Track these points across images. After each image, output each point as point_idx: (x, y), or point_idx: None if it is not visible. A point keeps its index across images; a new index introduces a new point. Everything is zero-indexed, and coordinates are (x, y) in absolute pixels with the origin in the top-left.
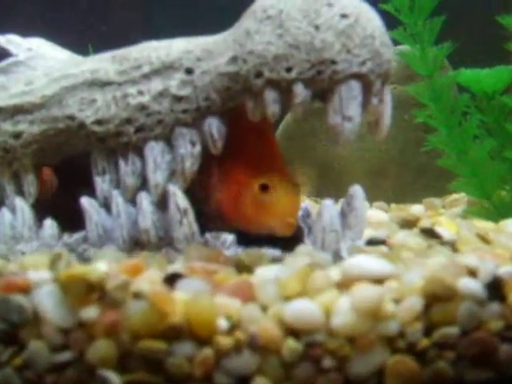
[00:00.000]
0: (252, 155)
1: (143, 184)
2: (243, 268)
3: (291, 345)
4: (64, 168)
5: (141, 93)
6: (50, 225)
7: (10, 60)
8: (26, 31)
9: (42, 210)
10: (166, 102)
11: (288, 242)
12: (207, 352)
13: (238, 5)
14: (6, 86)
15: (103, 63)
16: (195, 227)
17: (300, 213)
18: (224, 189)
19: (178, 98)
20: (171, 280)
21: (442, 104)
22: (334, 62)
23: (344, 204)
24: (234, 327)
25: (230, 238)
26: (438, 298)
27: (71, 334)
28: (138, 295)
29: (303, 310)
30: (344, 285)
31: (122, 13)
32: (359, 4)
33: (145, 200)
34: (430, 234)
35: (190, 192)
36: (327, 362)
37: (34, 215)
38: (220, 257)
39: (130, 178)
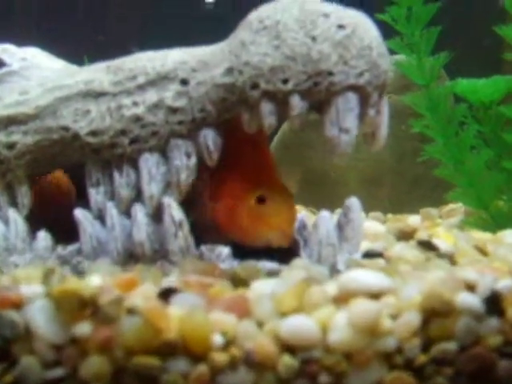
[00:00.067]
0: (247, 167)
1: (138, 196)
2: (239, 282)
3: (287, 361)
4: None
5: (135, 104)
6: (43, 237)
7: (3, 70)
8: (21, 41)
9: (35, 221)
10: (161, 114)
11: (284, 255)
12: (202, 368)
13: (236, 15)
14: (0, 95)
15: (98, 74)
16: (190, 240)
17: (296, 224)
18: (220, 201)
19: (174, 110)
20: (166, 295)
21: (439, 114)
22: (330, 74)
23: (341, 216)
24: (229, 343)
25: (225, 250)
26: (436, 313)
27: (64, 349)
28: (131, 311)
29: (299, 325)
30: (341, 300)
31: (119, 23)
32: (356, 14)
33: (139, 212)
34: (427, 246)
35: (184, 204)
36: (324, 379)
37: (27, 227)
38: (215, 270)
39: (124, 189)
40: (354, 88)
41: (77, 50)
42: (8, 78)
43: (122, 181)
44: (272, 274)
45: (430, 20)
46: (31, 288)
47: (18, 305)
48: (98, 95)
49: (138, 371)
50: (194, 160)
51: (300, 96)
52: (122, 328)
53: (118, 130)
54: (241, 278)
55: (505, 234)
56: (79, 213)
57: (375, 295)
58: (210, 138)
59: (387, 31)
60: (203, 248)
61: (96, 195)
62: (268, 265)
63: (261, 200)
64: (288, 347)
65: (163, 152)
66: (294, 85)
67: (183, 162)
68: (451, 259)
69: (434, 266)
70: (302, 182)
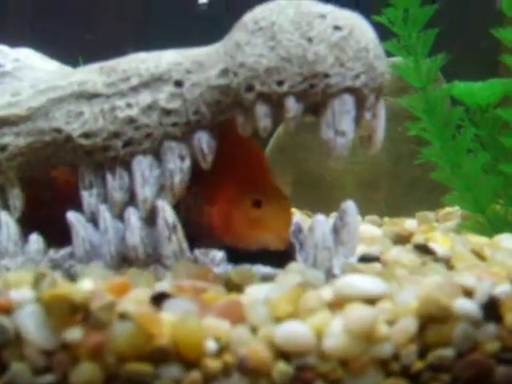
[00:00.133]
0: (242, 170)
1: (131, 199)
2: (233, 286)
3: (282, 368)
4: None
5: (129, 105)
6: (35, 240)
7: None
8: (14, 41)
9: (27, 224)
10: (155, 115)
11: (279, 259)
12: (195, 375)
13: (230, 16)
14: None
15: (91, 75)
16: (184, 244)
17: (292, 227)
18: (214, 205)
19: (167, 112)
20: (158, 300)
21: (436, 117)
22: (326, 76)
23: (336, 219)
24: (222, 349)
25: (219, 254)
26: (432, 319)
27: (54, 355)
28: (123, 316)
29: (294, 331)
30: (336, 305)
31: (113, 24)
32: (353, 16)
33: (133, 215)
34: (423, 250)
35: (178, 207)
36: None
37: (19, 230)
38: (209, 274)
39: (117, 192)
40: (350, 90)
41: (71, 51)
42: (0, 79)
43: (115, 184)
44: (267, 278)
45: (426, 22)
46: (21, 293)
47: (7, 310)
48: (92, 97)
49: (129, 378)
50: (187, 163)
51: (295, 98)
52: (114, 333)
53: (112, 132)
54: (235, 282)
55: (502, 238)
56: (72, 216)
57: (371, 300)
58: (204, 140)
59: (384, 33)
60: (197, 252)
61: (89, 198)
62: (262, 269)
63: (256, 204)
64: (282, 353)
65: (157, 154)
66: (290, 87)
67: (177, 164)
68: (448, 263)
69: (431, 271)
70: (298, 185)
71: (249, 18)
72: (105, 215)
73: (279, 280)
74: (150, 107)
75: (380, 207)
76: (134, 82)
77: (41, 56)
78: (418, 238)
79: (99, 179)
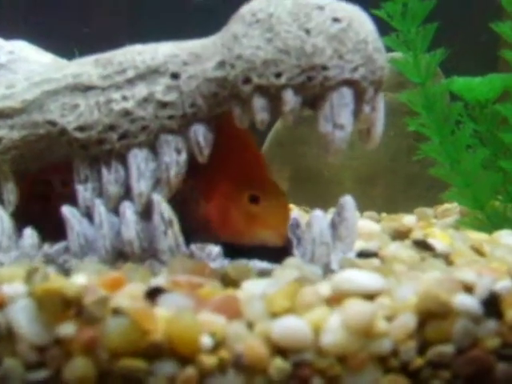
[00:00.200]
0: (239, 165)
1: (127, 193)
2: (229, 282)
3: (279, 364)
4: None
5: (125, 98)
6: (29, 234)
7: None
8: (8, 34)
9: (21, 218)
10: (151, 108)
11: (277, 254)
12: (190, 371)
13: (227, 8)
14: None
15: (86, 67)
16: (180, 238)
17: (289, 223)
18: (212, 200)
19: (164, 104)
20: (153, 295)
21: (435, 112)
22: (325, 68)
23: (335, 215)
24: (218, 345)
25: (215, 249)
26: (432, 315)
27: (47, 351)
28: (117, 311)
29: (291, 327)
30: (334, 300)
31: (108, 16)
32: (351, 8)
33: (128, 209)
34: (422, 245)
35: (174, 201)
36: (316, 383)
37: (13, 224)
38: (205, 269)
39: (113, 186)
40: (348, 83)
41: (66, 44)
42: None
43: (110, 177)
44: (263, 273)
45: (425, 17)
46: (13, 287)
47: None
48: (87, 89)
49: (123, 374)
50: (184, 156)
51: (293, 91)
52: (107, 329)
53: (107, 125)
54: (231, 277)
55: (501, 234)
56: (66, 210)
57: (369, 296)
58: (200, 133)
59: (383, 28)
60: (193, 247)
61: (84, 192)
62: (259, 264)
63: (254, 199)
64: (279, 349)
65: (153, 148)
66: (288, 79)
67: (173, 158)
68: (447, 259)
69: (430, 266)
70: (296, 180)
71: (246, 9)
72: (100, 209)
73: (276, 275)
74: (146, 100)
75: (378, 203)
76: (130, 74)
77: (35, 48)
78: (417, 234)
79: (94, 173)
